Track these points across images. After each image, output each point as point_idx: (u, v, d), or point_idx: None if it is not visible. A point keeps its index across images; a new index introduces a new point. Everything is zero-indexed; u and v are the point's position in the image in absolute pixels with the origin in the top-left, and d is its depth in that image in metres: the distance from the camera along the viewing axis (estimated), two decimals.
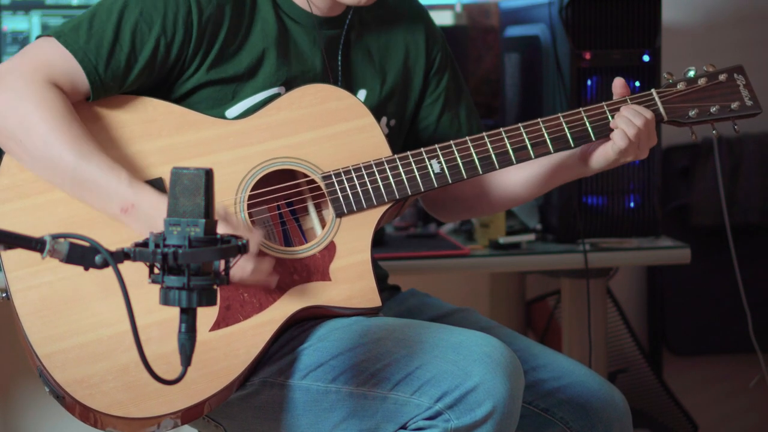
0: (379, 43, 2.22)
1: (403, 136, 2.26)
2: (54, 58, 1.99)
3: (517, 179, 2.24)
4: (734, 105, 2.14)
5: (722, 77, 2.15)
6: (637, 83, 2.70)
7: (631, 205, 2.75)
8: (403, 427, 1.92)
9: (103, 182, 1.94)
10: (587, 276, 2.72)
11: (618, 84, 2.14)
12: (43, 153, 1.95)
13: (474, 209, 2.35)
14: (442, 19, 3.10)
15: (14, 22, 2.84)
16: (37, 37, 2.05)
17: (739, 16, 3.53)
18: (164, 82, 2.07)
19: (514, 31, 3.00)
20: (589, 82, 2.71)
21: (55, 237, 1.52)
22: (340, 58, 2.17)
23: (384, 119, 2.19)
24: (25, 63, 1.99)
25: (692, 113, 2.13)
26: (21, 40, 2.85)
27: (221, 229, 1.86)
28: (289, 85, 2.11)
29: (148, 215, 1.92)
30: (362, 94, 2.18)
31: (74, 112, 1.98)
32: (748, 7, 3.54)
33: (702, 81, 2.15)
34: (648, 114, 2.10)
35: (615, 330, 3.45)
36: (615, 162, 2.12)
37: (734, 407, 3.64)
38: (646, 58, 2.71)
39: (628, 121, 2.08)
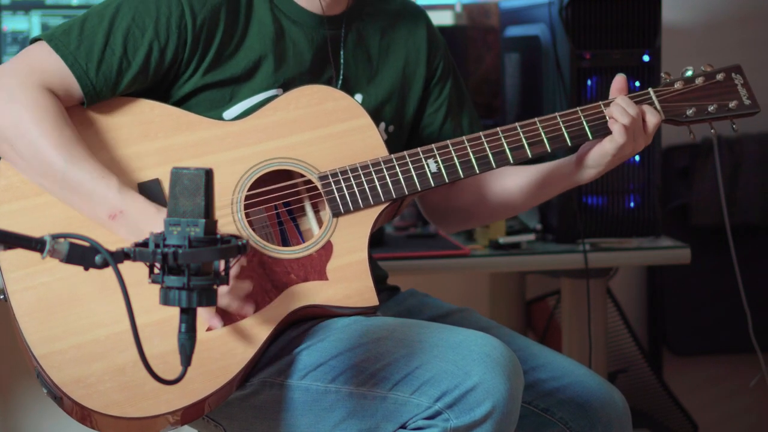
0: (380, 47, 2.22)
1: (403, 143, 2.26)
2: (47, 63, 1.99)
3: (513, 186, 2.25)
4: (732, 104, 2.15)
5: (720, 76, 2.16)
6: (637, 83, 2.70)
7: (631, 205, 2.75)
8: (403, 427, 1.92)
9: (92, 188, 1.94)
10: (587, 276, 2.72)
11: (617, 82, 2.15)
12: (33, 156, 1.95)
13: (472, 218, 2.35)
14: (442, 19, 3.10)
15: (14, 22, 2.84)
16: (31, 40, 2.05)
17: (739, 16, 3.53)
18: (159, 87, 2.07)
19: (514, 31, 3.00)
20: (589, 82, 2.71)
21: (55, 237, 1.52)
22: (342, 59, 2.17)
23: (383, 125, 2.19)
24: (20, 66, 2.00)
25: (690, 112, 2.14)
26: (21, 40, 2.86)
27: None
28: (287, 86, 2.11)
29: (136, 222, 1.92)
30: (358, 98, 2.18)
31: (67, 117, 1.98)
32: (748, 7, 3.54)
33: (700, 80, 2.15)
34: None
35: (615, 330, 3.45)
36: (612, 159, 2.11)
37: (734, 407, 3.64)
38: (646, 58, 2.71)
39: (622, 110, 2.09)
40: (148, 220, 1.92)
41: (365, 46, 2.20)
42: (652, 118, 2.11)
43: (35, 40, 2.04)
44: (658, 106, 2.13)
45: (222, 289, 1.89)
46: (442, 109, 2.28)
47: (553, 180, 2.21)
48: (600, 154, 2.12)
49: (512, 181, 2.25)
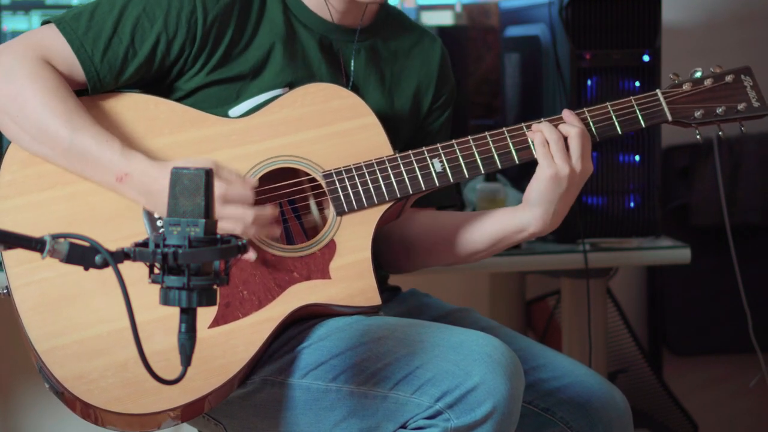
0: (393, 72, 2.21)
1: None
2: (51, 43, 2.00)
3: (454, 221, 2.19)
4: (741, 106, 2.13)
5: (729, 78, 2.14)
6: (637, 83, 2.70)
7: (631, 205, 2.74)
8: (403, 426, 1.92)
9: (98, 154, 1.95)
10: (587, 276, 2.72)
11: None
12: (37, 128, 1.96)
13: (425, 262, 2.27)
14: (442, 19, 3.10)
15: (14, 22, 2.84)
16: (42, 23, 2.05)
17: (739, 16, 3.53)
18: (163, 80, 2.08)
19: (514, 31, 3.00)
20: (589, 82, 2.71)
21: (55, 237, 1.52)
22: (353, 69, 2.16)
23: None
24: (20, 43, 2.01)
25: (698, 114, 2.12)
26: None
27: (217, 188, 1.86)
28: (294, 86, 2.10)
29: (142, 183, 1.94)
30: None
31: (68, 87, 1.99)
32: (749, 7, 3.55)
33: (708, 82, 2.13)
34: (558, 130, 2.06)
35: (615, 330, 3.45)
36: (548, 184, 2.04)
37: (734, 407, 3.64)
38: (646, 58, 2.71)
39: (537, 133, 2.06)
40: (153, 181, 1.93)
41: (378, 66, 2.19)
42: (571, 129, 2.05)
43: (45, 23, 2.04)
44: (667, 109, 2.11)
45: (248, 218, 1.90)
46: (431, 133, 2.27)
47: (497, 216, 2.14)
48: (536, 181, 2.06)
49: (455, 218, 2.20)
